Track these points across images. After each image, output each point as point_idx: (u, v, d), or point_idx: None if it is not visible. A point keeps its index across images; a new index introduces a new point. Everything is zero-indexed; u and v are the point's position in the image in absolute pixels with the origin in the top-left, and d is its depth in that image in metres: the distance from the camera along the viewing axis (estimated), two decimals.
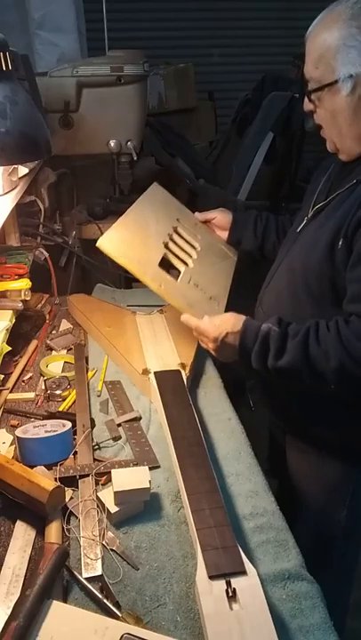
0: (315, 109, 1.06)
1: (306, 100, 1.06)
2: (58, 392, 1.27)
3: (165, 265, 1.29)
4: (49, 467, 1.02)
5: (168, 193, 1.54)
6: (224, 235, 1.50)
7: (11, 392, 1.28)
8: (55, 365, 1.41)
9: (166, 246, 1.32)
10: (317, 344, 1.01)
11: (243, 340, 1.09)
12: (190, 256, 1.36)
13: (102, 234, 1.96)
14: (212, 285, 1.31)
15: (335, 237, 1.03)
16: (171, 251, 1.33)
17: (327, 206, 1.12)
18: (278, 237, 1.40)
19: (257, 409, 2.64)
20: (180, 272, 1.29)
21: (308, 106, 1.07)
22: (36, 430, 1.08)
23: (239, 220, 1.48)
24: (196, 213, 1.53)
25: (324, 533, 1.31)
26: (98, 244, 1.21)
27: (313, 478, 1.29)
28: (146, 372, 1.27)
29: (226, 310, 1.26)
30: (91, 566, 0.85)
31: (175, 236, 1.38)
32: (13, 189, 1.52)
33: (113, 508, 0.92)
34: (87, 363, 1.40)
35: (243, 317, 1.12)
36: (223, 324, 1.12)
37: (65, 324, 1.59)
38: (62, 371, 1.38)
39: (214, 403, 1.27)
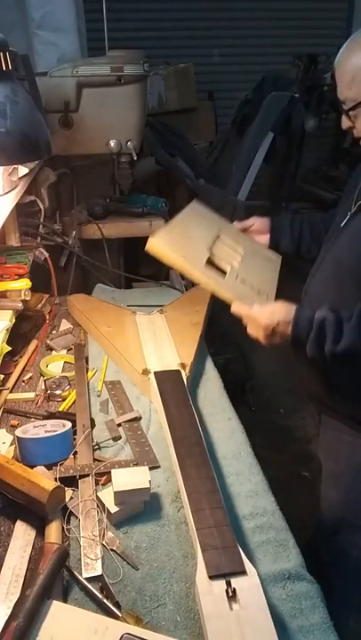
0: (354, 125, 1.16)
1: (344, 118, 1.16)
2: (58, 392, 1.27)
3: (213, 267, 1.32)
4: (49, 467, 1.02)
5: (206, 208, 1.59)
6: (263, 240, 1.55)
7: (11, 392, 1.28)
8: (55, 365, 1.41)
9: (210, 250, 1.36)
10: None
11: (296, 330, 1.11)
12: (235, 259, 1.39)
13: (102, 234, 1.99)
14: (260, 281, 1.35)
15: None
16: (215, 254, 1.36)
17: None
18: (312, 238, 1.47)
19: (257, 409, 2.65)
20: (225, 273, 1.32)
21: (346, 123, 1.17)
22: (36, 430, 1.08)
23: (277, 223, 1.55)
24: (235, 222, 1.57)
25: (349, 518, 1.32)
26: (148, 245, 1.25)
27: (344, 459, 1.31)
28: (146, 372, 1.27)
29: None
30: (91, 566, 0.85)
31: (218, 243, 1.41)
32: (13, 189, 1.52)
33: (113, 508, 0.92)
34: (87, 363, 1.40)
35: (294, 306, 1.14)
36: (275, 312, 1.14)
37: (65, 324, 1.59)
38: (62, 371, 1.38)
39: (214, 403, 1.27)
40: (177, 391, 1.19)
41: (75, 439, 1.10)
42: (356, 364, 1.15)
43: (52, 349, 1.47)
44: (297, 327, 1.11)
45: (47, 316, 1.62)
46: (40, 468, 1.00)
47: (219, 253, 1.37)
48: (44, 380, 1.31)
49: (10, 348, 1.34)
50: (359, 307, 1.07)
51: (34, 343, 1.48)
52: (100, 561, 0.86)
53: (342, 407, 1.27)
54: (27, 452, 1.03)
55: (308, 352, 1.10)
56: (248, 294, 1.27)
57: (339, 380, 1.23)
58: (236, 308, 1.20)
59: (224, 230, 1.49)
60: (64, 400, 1.26)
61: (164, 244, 1.25)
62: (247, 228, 1.55)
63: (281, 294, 1.34)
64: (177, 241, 1.30)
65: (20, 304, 1.44)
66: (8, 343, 1.34)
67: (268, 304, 1.18)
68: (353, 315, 1.07)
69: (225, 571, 0.77)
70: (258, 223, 1.55)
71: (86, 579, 0.83)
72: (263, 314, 1.14)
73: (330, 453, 1.36)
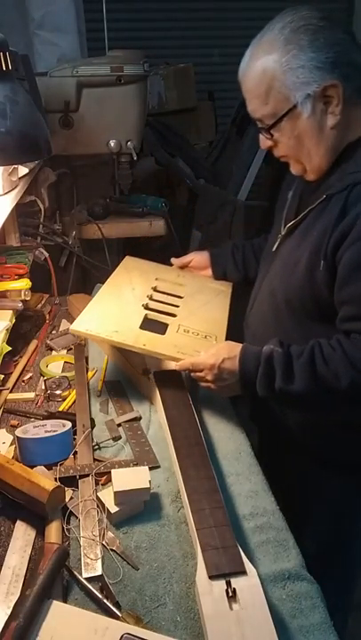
0: (275, 144, 1.05)
1: (262, 138, 1.05)
2: (58, 392, 1.27)
3: (150, 324, 1.28)
4: (49, 467, 1.02)
5: (142, 260, 1.57)
6: (207, 273, 1.50)
7: (11, 392, 1.28)
8: (55, 365, 1.41)
9: (147, 307, 1.32)
10: (325, 364, 0.98)
11: (243, 365, 1.05)
12: (177, 306, 1.36)
13: (102, 234, 1.99)
14: (206, 325, 1.29)
15: (315, 259, 1.01)
16: (153, 309, 1.33)
17: (300, 224, 1.09)
18: (258, 262, 1.38)
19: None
20: (167, 326, 1.28)
21: (265, 143, 1.05)
22: (36, 430, 1.08)
23: (217, 254, 1.49)
24: (173, 260, 1.53)
25: (337, 530, 1.30)
26: (71, 330, 1.20)
27: (311, 493, 1.27)
28: (146, 372, 1.27)
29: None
30: (91, 566, 0.85)
31: (156, 295, 1.39)
32: (13, 189, 1.52)
33: (113, 508, 0.92)
34: (87, 363, 1.40)
35: (239, 344, 1.09)
36: (219, 351, 1.09)
37: (65, 324, 1.59)
38: (62, 371, 1.38)
39: (214, 403, 1.27)
40: (177, 391, 1.19)
41: (75, 439, 1.10)
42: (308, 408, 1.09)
43: (52, 349, 1.47)
44: (244, 361, 1.05)
45: (47, 316, 1.62)
46: (40, 468, 1.00)
47: (157, 306, 1.34)
48: (44, 380, 1.31)
49: (10, 348, 1.34)
50: (311, 345, 1.01)
51: (34, 343, 1.48)
52: (100, 561, 0.86)
53: (307, 443, 1.20)
54: (27, 452, 1.03)
55: (259, 390, 1.04)
56: (192, 344, 1.20)
57: (292, 419, 1.17)
58: (180, 365, 1.13)
59: (162, 277, 1.46)
60: (64, 400, 1.26)
61: (86, 327, 1.19)
62: (186, 264, 1.51)
63: (237, 321, 1.31)
64: (102, 315, 1.25)
65: (20, 304, 1.44)
66: (8, 343, 1.34)
67: (211, 347, 1.12)
68: (303, 353, 1.00)
69: (225, 571, 0.77)
70: (197, 258, 1.50)
71: (86, 579, 0.83)
72: (206, 355, 1.09)
73: (295, 481, 1.31)
